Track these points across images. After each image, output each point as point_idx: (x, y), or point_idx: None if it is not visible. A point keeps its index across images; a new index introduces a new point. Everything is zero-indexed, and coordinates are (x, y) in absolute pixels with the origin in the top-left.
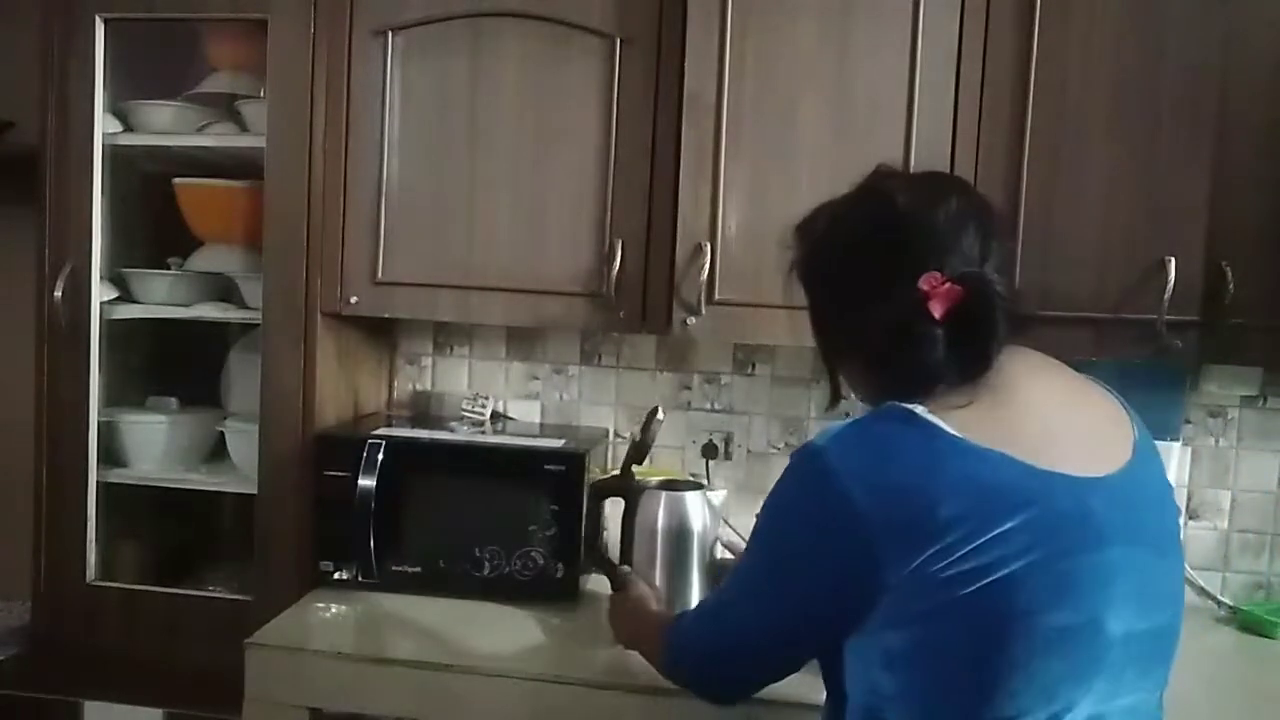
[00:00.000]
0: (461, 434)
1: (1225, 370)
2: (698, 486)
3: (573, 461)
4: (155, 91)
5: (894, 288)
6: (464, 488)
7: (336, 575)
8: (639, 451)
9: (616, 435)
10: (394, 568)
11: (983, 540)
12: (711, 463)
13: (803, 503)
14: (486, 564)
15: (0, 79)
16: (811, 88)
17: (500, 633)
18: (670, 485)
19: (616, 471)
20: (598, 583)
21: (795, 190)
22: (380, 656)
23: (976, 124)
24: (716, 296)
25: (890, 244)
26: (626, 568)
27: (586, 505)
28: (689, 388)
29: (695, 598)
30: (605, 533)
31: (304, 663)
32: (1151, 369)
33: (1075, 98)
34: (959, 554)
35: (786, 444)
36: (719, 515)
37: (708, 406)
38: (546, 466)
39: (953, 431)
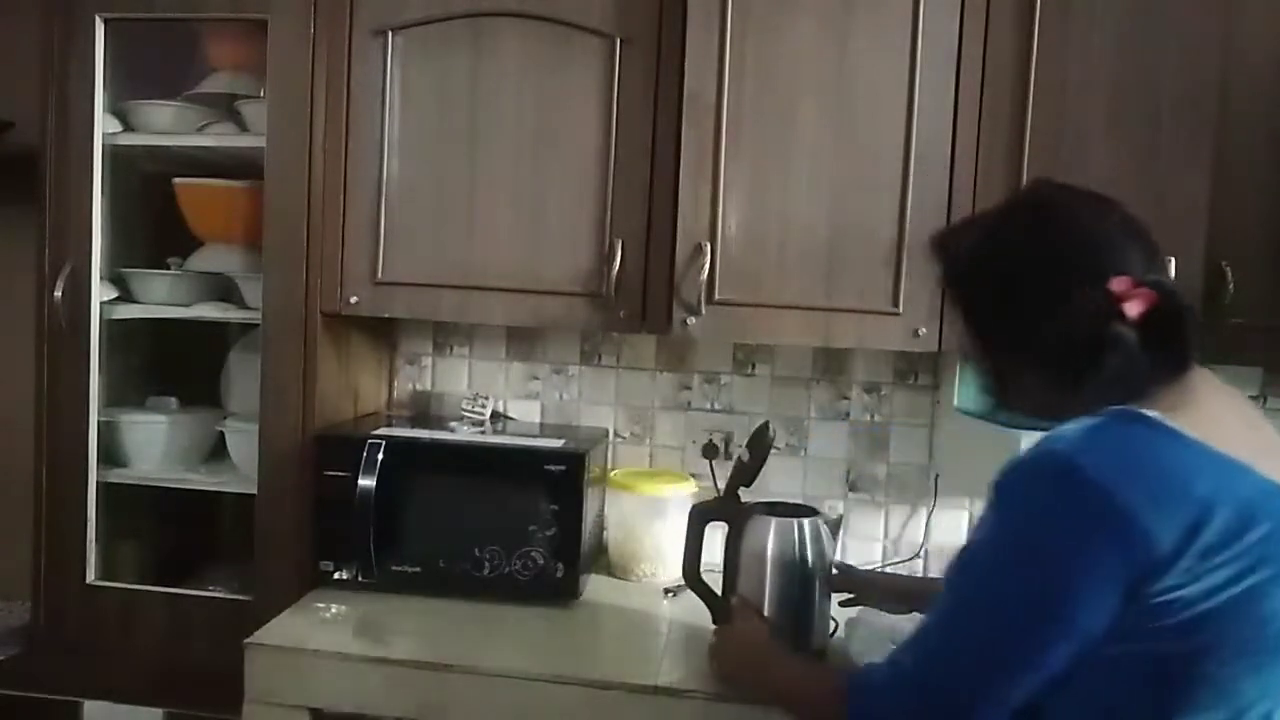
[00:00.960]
0: (461, 434)
1: (1225, 370)
2: (812, 512)
3: (573, 461)
4: (155, 91)
5: (1080, 292)
6: (464, 488)
7: (336, 575)
8: (748, 473)
9: (616, 435)
10: (394, 568)
11: (1239, 548)
12: (712, 463)
13: (1066, 518)
14: (486, 564)
15: (0, 79)
16: (811, 88)
17: (500, 633)
18: (777, 509)
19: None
20: (598, 584)
21: (795, 190)
22: (380, 656)
23: (976, 124)
24: (716, 296)
25: (1071, 250)
26: (736, 598)
27: (687, 528)
28: (689, 388)
29: (813, 632)
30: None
31: (304, 663)
32: None
33: (1075, 98)
34: (1217, 560)
35: (787, 444)
36: (834, 543)
37: (708, 406)
38: (546, 466)
39: (1194, 436)
